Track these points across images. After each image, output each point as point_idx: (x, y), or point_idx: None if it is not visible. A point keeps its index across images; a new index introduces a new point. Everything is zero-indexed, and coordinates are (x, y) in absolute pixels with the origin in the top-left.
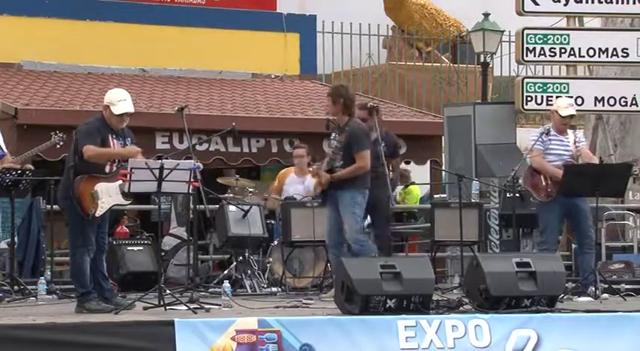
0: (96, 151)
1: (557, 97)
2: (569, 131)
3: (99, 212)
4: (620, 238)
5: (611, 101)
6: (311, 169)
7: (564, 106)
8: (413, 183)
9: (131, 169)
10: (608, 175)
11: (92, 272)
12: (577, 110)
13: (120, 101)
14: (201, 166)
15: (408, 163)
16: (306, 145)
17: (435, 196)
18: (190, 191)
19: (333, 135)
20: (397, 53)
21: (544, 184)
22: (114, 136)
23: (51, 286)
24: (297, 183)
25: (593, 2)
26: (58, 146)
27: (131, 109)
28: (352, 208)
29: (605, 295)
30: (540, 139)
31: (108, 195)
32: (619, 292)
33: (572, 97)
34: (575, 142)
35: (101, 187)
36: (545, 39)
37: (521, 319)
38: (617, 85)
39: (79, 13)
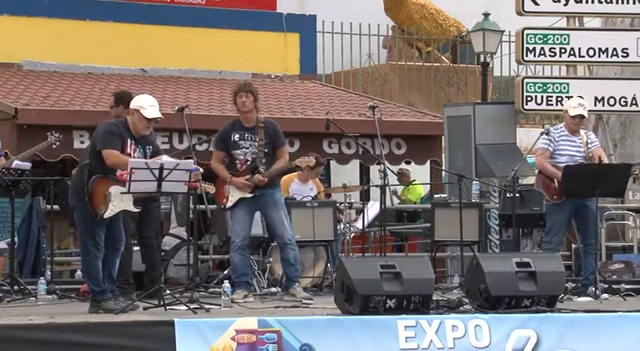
0: (119, 159)
1: (568, 97)
2: (582, 132)
3: (108, 214)
4: (620, 238)
5: (611, 101)
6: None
7: (573, 106)
8: (413, 181)
9: (131, 169)
10: (607, 175)
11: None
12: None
13: (151, 106)
14: (201, 170)
15: (408, 163)
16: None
17: (435, 196)
18: (190, 191)
19: (239, 135)
20: (397, 53)
21: (555, 186)
22: (133, 142)
23: (51, 286)
24: (302, 188)
25: (593, 2)
26: (54, 146)
27: (160, 116)
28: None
29: (605, 295)
30: (546, 139)
31: (120, 199)
32: (619, 292)
33: (572, 97)
34: (587, 143)
35: (115, 190)
36: (545, 39)
37: (521, 319)
38: (617, 85)
39: (79, 13)
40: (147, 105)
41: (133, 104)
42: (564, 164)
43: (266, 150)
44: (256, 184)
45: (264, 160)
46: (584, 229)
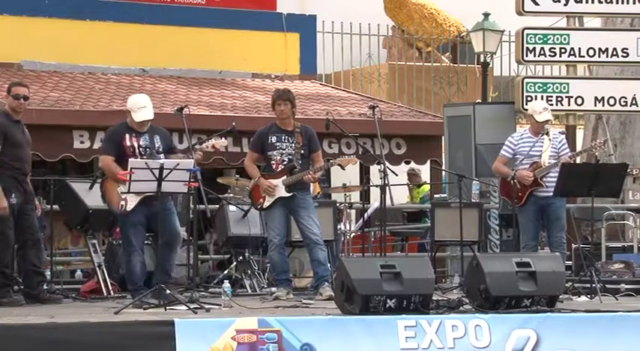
0: (108, 167)
1: (568, 97)
2: (556, 135)
3: (130, 206)
4: (620, 238)
5: (611, 101)
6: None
7: (539, 111)
8: (425, 183)
9: (131, 169)
10: (603, 175)
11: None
12: (577, 110)
13: (140, 108)
14: (199, 169)
15: (408, 163)
16: None
17: (435, 195)
18: (190, 191)
19: (276, 137)
20: (397, 53)
21: (515, 187)
22: (134, 134)
23: (51, 286)
24: None
25: (593, 2)
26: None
27: (150, 117)
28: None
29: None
30: (506, 146)
31: None
32: (613, 295)
33: (572, 96)
34: (550, 141)
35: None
36: (545, 39)
37: (521, 319)
38: (617, 85)
39: (79, 13)
40: (136, 108)
41: (127, 105)
42: (525, 164)
43: (302, 152)
44: (293, 183)
45: (300, 162)
46: (548, 227)
